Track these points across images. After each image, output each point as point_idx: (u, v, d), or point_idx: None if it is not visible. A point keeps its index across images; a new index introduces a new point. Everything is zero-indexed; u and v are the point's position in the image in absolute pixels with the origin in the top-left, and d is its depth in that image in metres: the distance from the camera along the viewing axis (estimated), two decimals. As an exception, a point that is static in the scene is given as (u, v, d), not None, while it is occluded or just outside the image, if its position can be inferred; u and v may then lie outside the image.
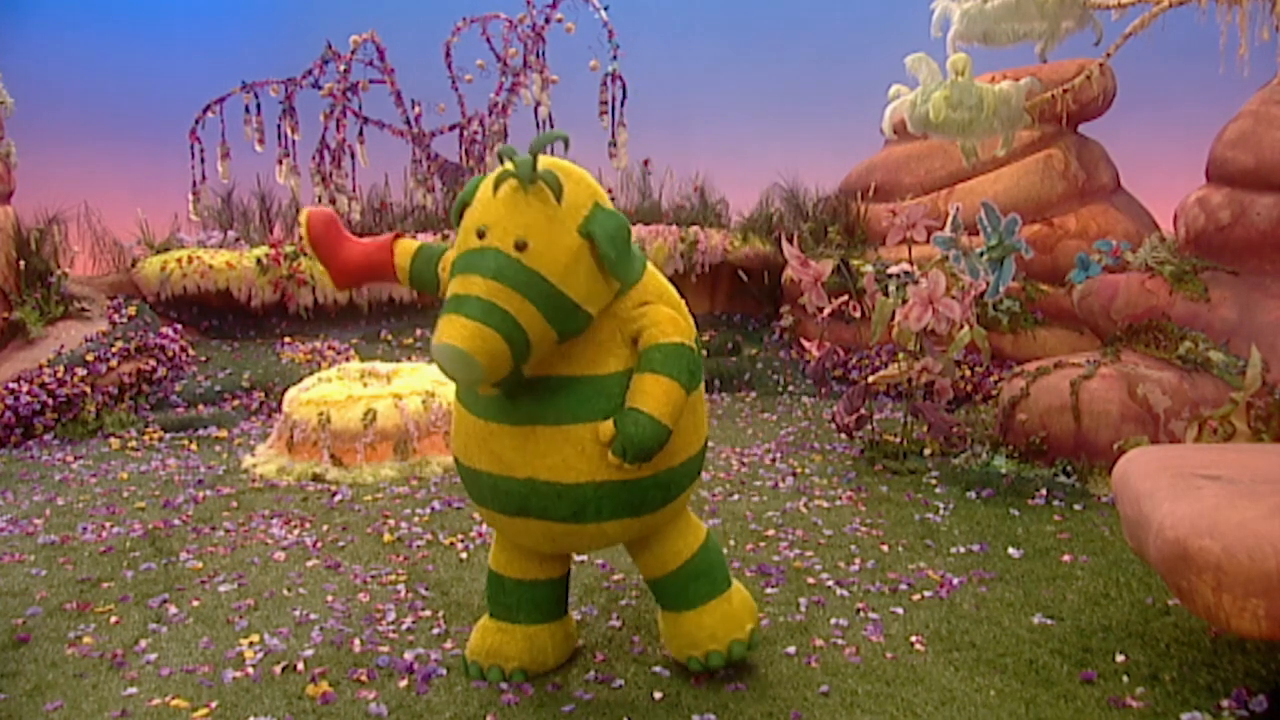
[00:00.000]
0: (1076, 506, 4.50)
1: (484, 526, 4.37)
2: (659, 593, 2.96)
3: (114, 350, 6.74)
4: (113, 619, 3.43)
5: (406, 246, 2.92)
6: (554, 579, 2.98)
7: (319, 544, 4.20)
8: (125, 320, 7.26)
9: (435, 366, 2.54)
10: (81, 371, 6.50)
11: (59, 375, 6.41)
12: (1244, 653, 2.97)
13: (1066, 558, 3.87)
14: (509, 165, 2.47)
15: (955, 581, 3.64)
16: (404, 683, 2.92)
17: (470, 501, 2.95)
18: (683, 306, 2.77)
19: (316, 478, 5.21)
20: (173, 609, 3.50)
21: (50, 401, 6.29)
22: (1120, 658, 2.99)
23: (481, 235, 2.45)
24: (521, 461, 2.59)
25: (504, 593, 2.95)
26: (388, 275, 2.96)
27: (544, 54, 8.69)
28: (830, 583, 3.66)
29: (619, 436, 2.53)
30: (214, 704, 2.81)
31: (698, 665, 2.88)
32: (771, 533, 4.22)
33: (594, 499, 2.61)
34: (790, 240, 5.54)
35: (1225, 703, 2.70)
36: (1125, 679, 2.87)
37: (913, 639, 3.17)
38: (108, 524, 4.48)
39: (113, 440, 6.16)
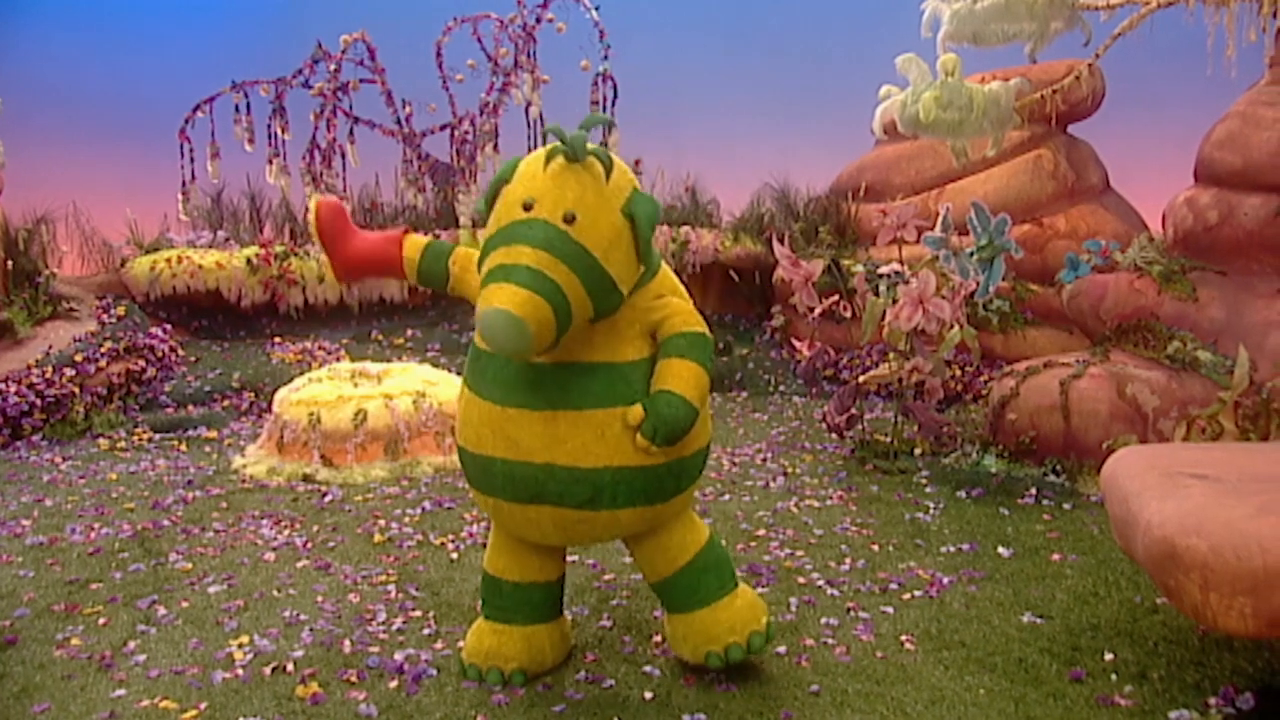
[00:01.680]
0: (1066, 506, 4.52)
1: (475, 526, 4.36)
2: (668, 593, 2.93)
3: (103, 350, 6.71)
4: (101, 620, 3.42)
5: (416, 241, 2.94)
6: (551, 581, 2.98)
7: (309, 544, 4.19)
8: (114, 320, 7.23)
9: (481, 335, 2.51)
10: (70, 372, 6.47)
11: (47, 376, 6.37)
12: (1231, 651, 2.99)
13: (1056, 557, 3.88)
14: (559, 142, 2.53)
15: (945, 581, 3.65)
16: (394, 683, 2.92)
17: (473, 495, 2.93)
18: (690, 302, 2.84)
19: (307, 478, 5.19)
20: (161, 610, 3.49)
21: (38, 402, 6.25)
22: (1109, 656, 3.00)
23: (528, 208, 2.50)
24: (540, 446, 2.61)
25: (500, 595, 2.94)
26: (394, 269, 2.96)
27: (535, 54, 8.68)
28: (821, 582, 3.66)
29: (650, 417, 2.58)
30: (203, 705, 2.80)
31: (717, 661, 2.84)
32: (762, 532, 4.22)
33: (610, 484, 2.63)
34: (781, 240, 5.55)
35: (1213, 700, 2.71)
36: (1114, 677, 2.88)
37: (903, 638, 3.17)
38: (96, 525, 4.46)
39: (101, 441, 6.13)
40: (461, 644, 3.15)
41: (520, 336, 2.37)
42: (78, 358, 6.57)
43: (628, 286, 2.62)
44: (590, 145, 2.55)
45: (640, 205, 2.58)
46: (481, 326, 2.41)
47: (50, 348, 6.67)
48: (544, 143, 2.69)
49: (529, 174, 2.57)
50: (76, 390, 6.44)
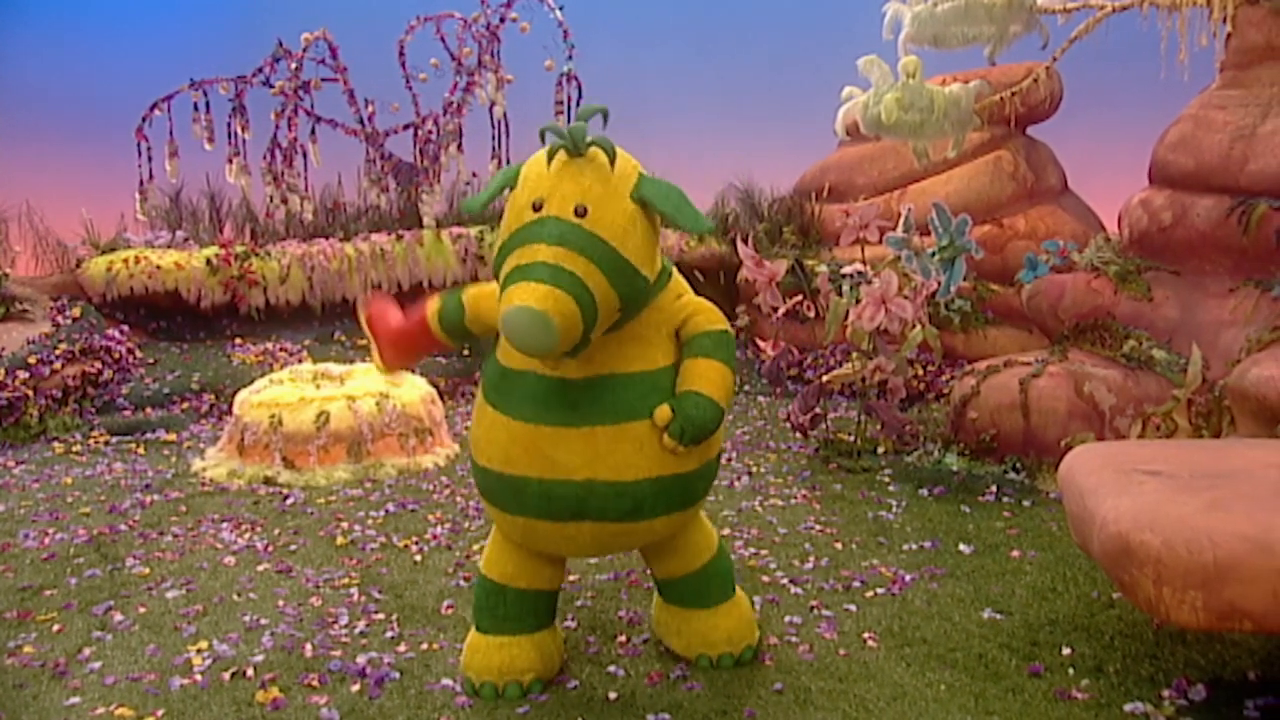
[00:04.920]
0: (1025, 503, 4.58)
1: (439, 528, 4.34)
2: (677, 591, 3.00)
3: (57, 352, 6.59)
4: (55, 627, 3.35)
5: (432, 306, 2.84)
6: (555, 590, 2.97)
7: (270, 548, 4.14)
8: (69, 322, 7.11)
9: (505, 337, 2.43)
10: (23, 374, 6.34)
11: None
12: (1184, 644, 3.05)
13: (1015, 553, 3.93)
14: (559, 139, 2.52)
15: (907, 578, 3.69)
16: (356, 687, 2.89)
17: (492, 513, 2.82)
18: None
19: (268, 481, 5.13)
20: (118, 616, 3.43)
21: (-9, 405, 6.13)
22: (1066, 650, 3.05)
23: (538, 208, 2.48)
24: (581, 464, 2.58)
25: (505, 604, 2.86)
26: (430, 339, 2.88)
27: (499, 53, 8.65)
28: (785, 581, 3.69)
29: (678, 418, 2.58)
30: (160, 712, 2.76)
31: (706, 663, 2.96)
32: (727, 531, 4.24)
33: (650, 495, 2.64)
34: (745, 241, 5.57)
35: (1166, 693, 2.76)
36: (1071, 671, 2.92)
37: (865, 635, 3.20)
38: (50, 530, 4.37)
39: (56, 445, 6.02)
40: (425, 646, 3.14)
41: (545, 332, 2.33)
42: (31, 360, 6.44)
43: (652, 272, 2.62)
44: (593, 136, 2.53)
45: (649, 188, 2.58)
46: (504, 327, 2.36)
47: (3, 350, 6.53)
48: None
49: (533, 175, 2.55)
50: (30, 393, 6.31)
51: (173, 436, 6.25)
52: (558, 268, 2.37)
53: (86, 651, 3.16)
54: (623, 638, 3.20)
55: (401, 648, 3.15)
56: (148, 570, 3.89)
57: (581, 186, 2.49)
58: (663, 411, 2.60)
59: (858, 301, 5.17)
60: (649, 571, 3.10)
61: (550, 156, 2.53)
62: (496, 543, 2.93)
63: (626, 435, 2.59)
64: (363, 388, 5.58)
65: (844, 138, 6.74)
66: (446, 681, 2.90)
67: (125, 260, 7.62)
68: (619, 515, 2.64)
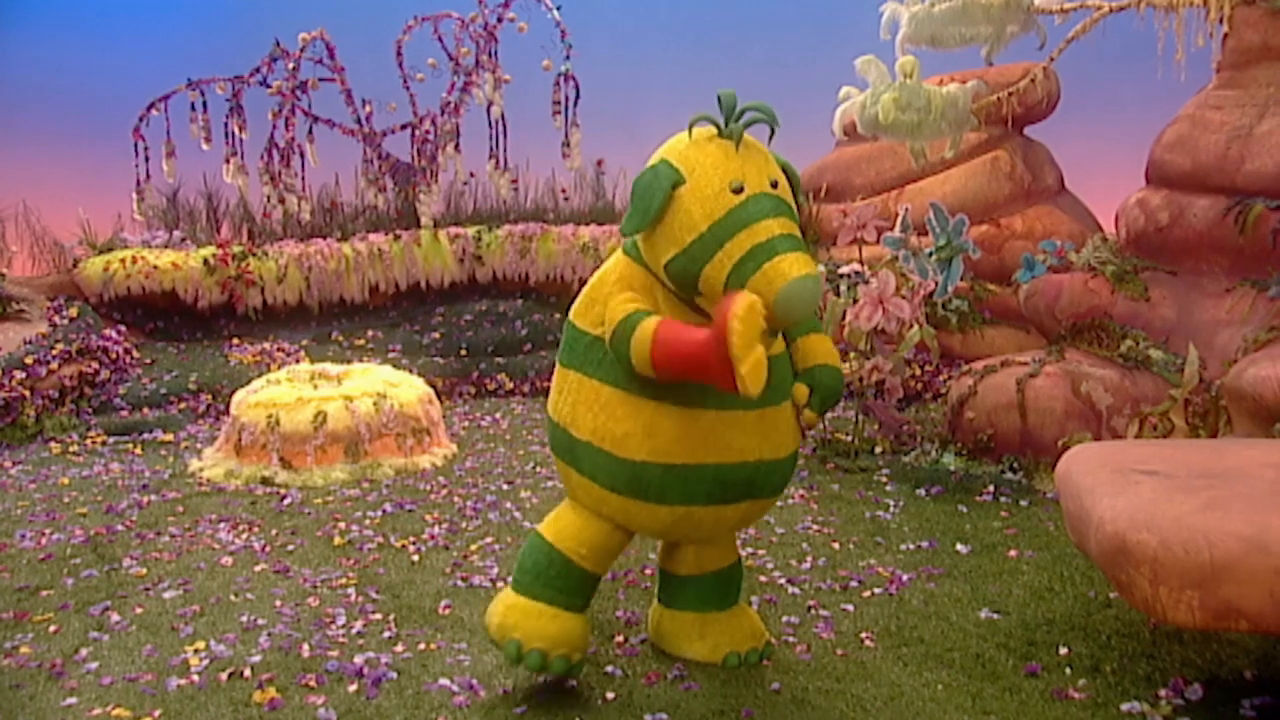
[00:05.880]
0: (1023, 503, 4.58)
1: (436, 528, 4.34)
2: (701, 592, 3.01)
3: (54, 353, 6.58)
4: (52, 628, 3.35)
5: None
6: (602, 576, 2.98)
7: (267, 548, 4.14)
8: (66, 322, 7.10)
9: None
10: (20, 374, 6.33)
11: (-3, 378, 6.24)
12: (1181, 643, 3.05)
13: (1013, 553, 3.93)
14: (733, 122, 2.61)
15: (905, 578, 3.69)
16: (353, 687, 2.89)
17: (627, 509, 2.72)
18: None
19: (265, 481, 5.13)
20: (115, 617, 3.43)
21: (-13, 405, 6.12)
22: (1063, 650, 3.05)
23: (740, 190, 2.53)
24: (754, 445, 2.66)
25: (570, 579, 2.79)
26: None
27: (496, 53, 8.65)
28: (782, 581, 3.69)
29: (819, 391, 2.76)
30: (157, 713, 2.75)
31: (735, 660, 2.98)
32: (724, 532, 4.24)
33: (790, 468, 2.80)
34: (742, 240, 5.56)
35: (1163, 692, 2.76)
36: (1068, 671, 2.93)
37: (862, 635, 3.20)
38: (47, 530, 4.37)
39: (53, 445, 6.01)
40: (423, 647, 3.13)
41: (818, 294, 2.46)
42: (28, 360, 6.44)
43: None
44: (752, 116, 2.63)
45: (784, 161, 2.72)
46: (790, 297, 2.38)
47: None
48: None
49: (710, 161, 2.57)
50: (27, 393, 6.30)
51: (170, 437, 6.24)
52: (795, 237, 2.49)
53: (83, 652, 3.15)
54: (620, 638, 3.20)
55: (399, 648, 3.15)
56: (145, 571, 3.88)
57: (763, 164, 2.60)
58: (801, 389, 2.76)
59: (855, 301, 5.18)
60: (664, 570, 3.07)
61: (738, 141, 2.60)
62: (579, 521, 2.83)
63: (783, 414, 2.73)
64: (360, 388, 5.57)
65: (841, 138, 6.75)
66: (444, 682, 2.90)
67: (122, 260, 7.62)
68: (773, 490, 2.77)
